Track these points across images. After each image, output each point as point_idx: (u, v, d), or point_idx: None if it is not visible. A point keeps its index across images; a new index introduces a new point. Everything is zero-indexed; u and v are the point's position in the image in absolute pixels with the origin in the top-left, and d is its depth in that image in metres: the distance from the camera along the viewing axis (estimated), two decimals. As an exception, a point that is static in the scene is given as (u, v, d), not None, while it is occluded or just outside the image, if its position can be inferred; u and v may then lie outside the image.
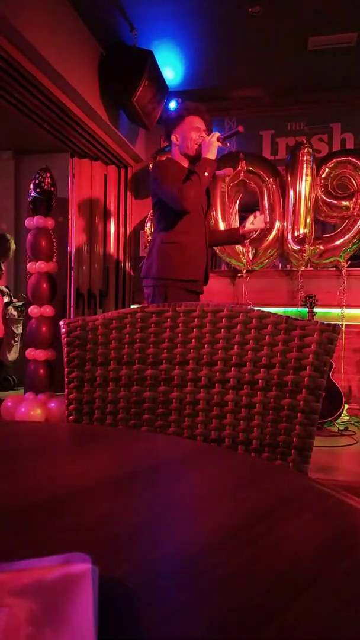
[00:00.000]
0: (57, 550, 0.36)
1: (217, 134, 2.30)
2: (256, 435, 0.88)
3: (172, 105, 4.10)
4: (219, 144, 2.30)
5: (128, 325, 0.97)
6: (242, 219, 4.04)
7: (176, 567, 0.38)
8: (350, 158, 3.69)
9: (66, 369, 0.98)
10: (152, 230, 3.94)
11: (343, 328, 3.75)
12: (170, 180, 2.26)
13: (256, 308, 0.92)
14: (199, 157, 2.33)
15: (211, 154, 2.29)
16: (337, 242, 3.69)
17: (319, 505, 0.51)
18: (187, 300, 2.37)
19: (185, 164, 2.40)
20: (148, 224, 4.09)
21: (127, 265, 4.48)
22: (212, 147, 2.29)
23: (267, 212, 3.83)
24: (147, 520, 0.47)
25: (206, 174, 2.26)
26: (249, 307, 0.94)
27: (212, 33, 3.34)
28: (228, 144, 2.42)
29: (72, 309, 4.36)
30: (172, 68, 3.79)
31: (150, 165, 3.99)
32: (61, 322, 1.00)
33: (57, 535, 0.42)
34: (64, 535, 0.42)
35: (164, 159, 2.45)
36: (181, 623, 0.31)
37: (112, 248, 4.48)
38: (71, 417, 0.98)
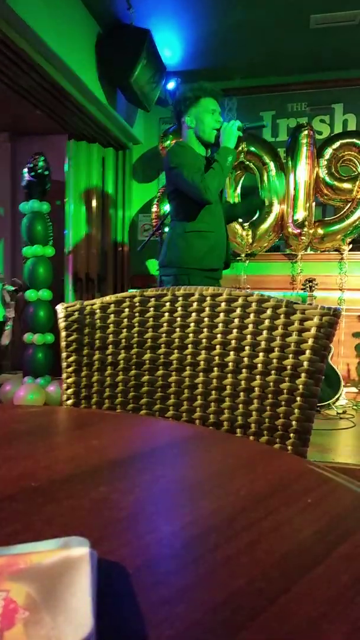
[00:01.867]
0: (56, 534, 0.35)
1: (238, 123, 2.25)
2: (255, 419, 0.88)
3: (171, 85, 4.03)
4: (240, 133, 2.26)
5: (126, 310, 0.96)
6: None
7: (175, 551, 0.38)
8: (355, 140, 3.64)
9: (64, 353, 0.98)
10: (163, 214, 3.89)
11: (343, 312, 3.75)
12: (191, 170, 2.20)
13: (256, 292, 0.91)
14: (214, 142, 2.30)
15: (231, 143, 2.25)
16: (339, 226, 3.67)
17: (318, 488, 0.51)
18: None
19: (199, 148, 2.34)
20: (154, 208, 4.03)
21: (126, 249, 4.45)
22: (233, 135, 2.24)
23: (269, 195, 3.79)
24: (145, 504, 0.47)
25: (228, 162, 2.22)
26: (248, 291, 0.93)
27: (211, 11, 3.27)
28: (246, 135, 2.36)
29: (69, 293, 4.34)
30: (170, 47, 3.71)
31: (162, 151, 3.93)
32: (58, 307, 0.99)
33: (56, 519, 0.42)
34: (62, 519, 0.42)
35: (174, 143, 2.37)
36: (180, 606, 0.31)
37: (110, 232, 4.45)
38: (69, 401, 0.97)
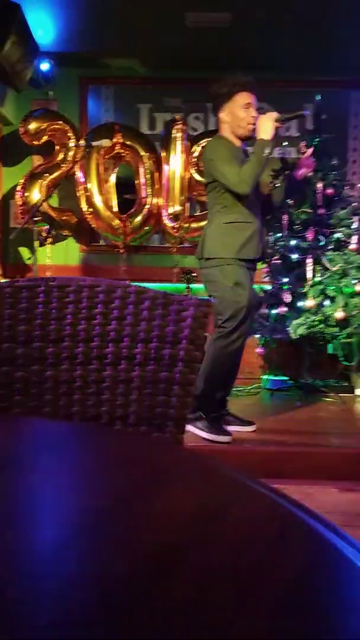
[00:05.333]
0: None
1: (274, 115, 2.25)
2: (134, 410, 0.88)
3: (45, 66, 3.84)
4: (277, 124, 2.25)
5: (-4, 301, 0.90)
6: (121, 193, 4.00)
7: (46, 557, 0.37)
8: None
9: None
10: (36, 203, 3.71)
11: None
12: (227, 162, 2.24)
13: (134, 284, 0.91)
14: (250, 136, 2.32)
15: (267, 135, 2.24)
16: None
17: (194, 472, 0.53)
18: (249, 279, 2.36)
19: (236, 141, 2.37)
20: (19, 194, 3.82)
21: (-3, 236, 4.18)
22: (269, 128, 2.24)
23: (145, 187, 3.81)
24: (14, 512, 0.44)
25: (264, 154, 2.22)
26: (127, 282, 0.93)
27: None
28: (284, 125, 2.36)
29: None
30: (43, 27, 3.53)
31: (24, 135, 3.71)
32: None
33: None
34: None
35: (214, 136, 2.40)
36: (53, 614, 0.30)
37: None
38: None
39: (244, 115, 2.33)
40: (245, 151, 2.38)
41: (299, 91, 3.97)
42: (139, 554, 0.37)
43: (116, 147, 3.78)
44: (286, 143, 3.98)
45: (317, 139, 3.44)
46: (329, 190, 3.37)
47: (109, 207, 3.81)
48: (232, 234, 2.32)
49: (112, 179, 3.99)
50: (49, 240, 3.79)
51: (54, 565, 0.35)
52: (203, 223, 3.79)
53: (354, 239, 3.41)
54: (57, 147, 3.81)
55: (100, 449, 0.61)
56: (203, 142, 3.79)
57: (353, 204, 3.45)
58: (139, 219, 3.81)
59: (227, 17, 3.34)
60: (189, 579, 0.34)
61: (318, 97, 3.47)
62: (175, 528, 0.41)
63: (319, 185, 3.33)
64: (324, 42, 3.59)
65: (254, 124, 2.31)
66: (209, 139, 3.70)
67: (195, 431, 2.35)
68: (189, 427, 2.35)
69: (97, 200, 3.75)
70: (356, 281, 3.26)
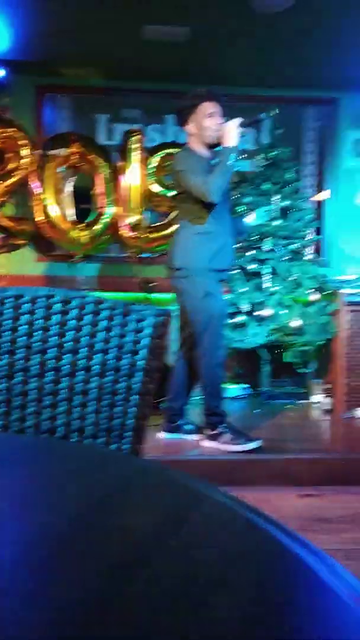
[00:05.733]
0: None
1: (238, 120, 2.30)
2: (91, 422, 0.87)
3: (1, 73, 3.78)
4: (241, 129, 2.32)
5: None
6: (79, 203, 3.97)
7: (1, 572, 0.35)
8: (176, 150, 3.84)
9: None
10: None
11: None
12: (195, 173, 2.29)
13: (93, 294, 0.90)
14: (219, 143, 2.35)
15: (232, 142, 2.30)
16: (167, 231, 3.82)
17: (153, 484, 0.52)
18: (219, 289, 2.43)
19: (205, 151, 2.42)
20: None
21: None
22: (233, 134, 2.29)
23: (103, 197, 3.79)
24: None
25: (229, 162, 2.28)
26: (84, 292, 0.92)
27: (42, 2, 3.15)
28: (248, 131, 2.42)
29: None
30: (-3, 33, 3.48)
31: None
32: None
33: None
34: None
35: (182, 148, 2.49)
36: (9, 630, 0.29)
37: None
38: None
39: (209, 124, 2.39)
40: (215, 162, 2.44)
41: (255, 106, 4.06)
42: (96, 567, 0.36)
43: (73, 157, 3.75)
44: (245, 155, 4.07)
45: (273, 153, 3.54)
46: (285, 203, 3.47)
47: (65, 217, 3.76)
48: (202, 244, 2.35)
49: (69, 188, 3.94)
50: (4, 249, 3.71)
51: (8, 582, 0.34)
52: (162, 233, 3.82)
53: (308, 249, 3.53)
54: (8, 155, 3.73)
55: (55, 463, 0.59)
56: (160, 154, 3.82)
57: (308, 216, 3.56)
58: (97, 228, 3.78)
59: (185, 31, 3.39)
60: (147, 590, 0.33)
61: (276, 111, 3.57)
62: (132, 539, 0.40)
63: (276, 197, 3.43)
64: (280, 59, 3.70)
65: (221, 130, 2.38)
66: (169, 150, 3.79)
67: (222, 447, 2.36)
68: (215, 445, 2.37)
69: (53, 210, 3.70)
70: (311, 291, 3.36)
